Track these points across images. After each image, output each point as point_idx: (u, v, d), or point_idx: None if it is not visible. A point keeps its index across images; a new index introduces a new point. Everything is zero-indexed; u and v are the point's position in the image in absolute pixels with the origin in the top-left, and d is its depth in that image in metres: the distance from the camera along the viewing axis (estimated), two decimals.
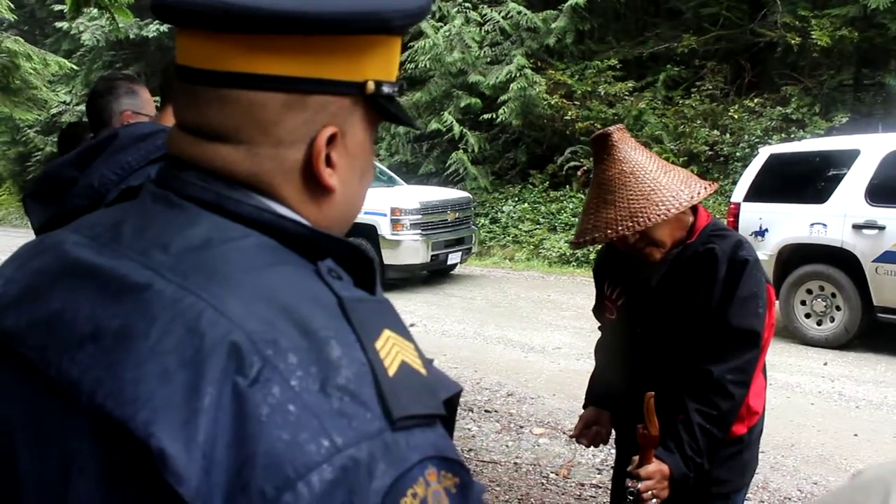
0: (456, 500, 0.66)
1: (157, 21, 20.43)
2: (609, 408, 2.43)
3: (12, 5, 14.08)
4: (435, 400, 0.70)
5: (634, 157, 2.11)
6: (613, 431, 2.48)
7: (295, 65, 0.75)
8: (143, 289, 0.69)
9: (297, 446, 0.61)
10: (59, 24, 22.19)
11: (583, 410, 2.49)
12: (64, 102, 22.91)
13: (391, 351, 0.69)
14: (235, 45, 0.74)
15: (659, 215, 1.99)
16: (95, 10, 6.92)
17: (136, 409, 0.63)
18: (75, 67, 17.32)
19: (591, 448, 2.47)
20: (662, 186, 2.04)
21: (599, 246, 2.49)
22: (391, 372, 0.67)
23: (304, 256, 0.75)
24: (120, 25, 6.86)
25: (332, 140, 0.78)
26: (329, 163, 0.79)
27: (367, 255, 0.79)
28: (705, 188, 2.08)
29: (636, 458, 2.02)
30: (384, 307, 0.74)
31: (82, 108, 22.82)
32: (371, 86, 0.79)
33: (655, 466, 1.99)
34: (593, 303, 2.57)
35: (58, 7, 19.23)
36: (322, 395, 0.63)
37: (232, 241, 0.73)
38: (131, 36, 19.53)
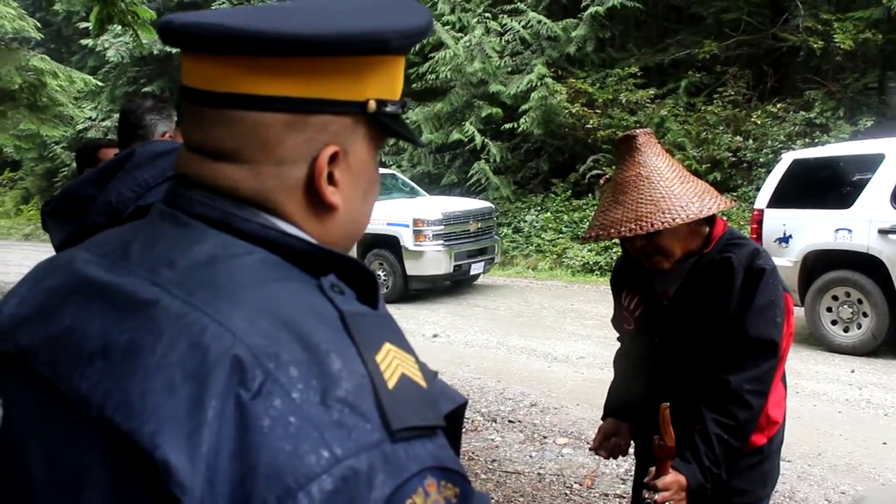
0: None
1: None
2: (628, 419, 2.43)
3: (39, 24, 14.33)
4: (435, 412, 0.71)
5: (655, 162, 2.11)
6: (633, 442, 2.47)
7: (296, 86, 0.77)
8: (150, 305, 0.71)
9: (298, 457, 0.62)
10: (84, 42, 22.50)
11: (601, 422, 2.49)
12: (90, 118, 23.25)
13: (391, 364, 0.70)
14: (238, 68, 0.76)
15: (663, 222, 1.99)
16: (119, 28, 7.01)
17: (142, 421, 0.65)
18: (100, 84, 17.58)
19: (610, 457, 2.47)
20: (674, 195, 2.04)
21: (620, 254, 2.49)
22: (391, 384, 0.68)
23: (308, 272, 0.77)
24: (143, 42, 6.94)
25: (334, 158, 0.80)
26: (332, 181, 0.81)
27: (369, 271, 0.81)
28: (718, 204, 2.07)
29: (653, 469, 2.01)
30: (385, 321, 0.76)
31: (108, 123, 23.21)
32: (373, 105, 0.81)
33: (672, 477, 1.98)
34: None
35: (83, 25, 19.50)
36: (322, 406, 0.65)
37: (237, 257, 0.75)
38: (155, 52, 19.74)
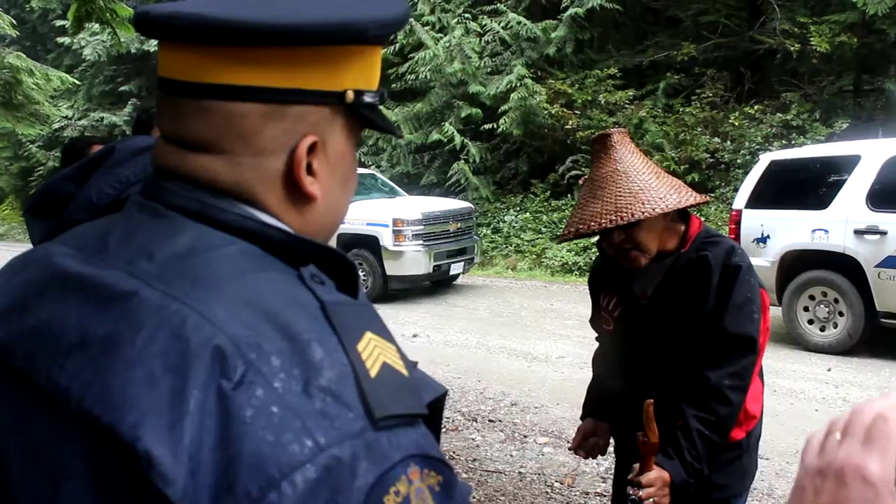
0: (439, 498, 0.68)
1: None
2: (607, 418, 2.44)
3: (14, 21, 14.16)
4: (417, 400, 0.71)
5: (630, 158, 2.13)
6: (613, 440, 2.48)
7: (273, 76, 0.77)
8: (129, 296, 0.70)
9: (281, 446, 0.62)
10: (60, 40, 22.32)
11: (580, 422, 2.50)
12: (66, 117, 23.04)
13: (373, 353, 0.70)
14: (215, 58, 0.76)
15: (643, 212, 2.01)
16: (97, 26, 6.95)
17: (123, 413, 0.64)
18: (77, 82, 17.39)
19: (589, 457, 2.48)
20: (652, 187, 2.06)
21: (597, 255, 2.50)
22: (373, 373, 0.68)
23: (287, 263, 0.76)
24: (121, 40, 6.89)
25: (312, 149, 0.80)
26: (310, 171, 0.81)
27: (349, 261, 0.80)
28: (695, 197, 2.10)
29: (636, 465, 2.02)
30: (366, 310, 0.76)
31: (84, 122, 23.05)
32: (350, 95, 0.80)
33: (656, 473, 1.99)
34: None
35: (59, 23, 19.35)
36: (305, 396, 0.64)
37: (216, 248, 0.74)
38: (133, 50, 19.60)
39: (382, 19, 0.80)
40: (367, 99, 0.82)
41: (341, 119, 0.82)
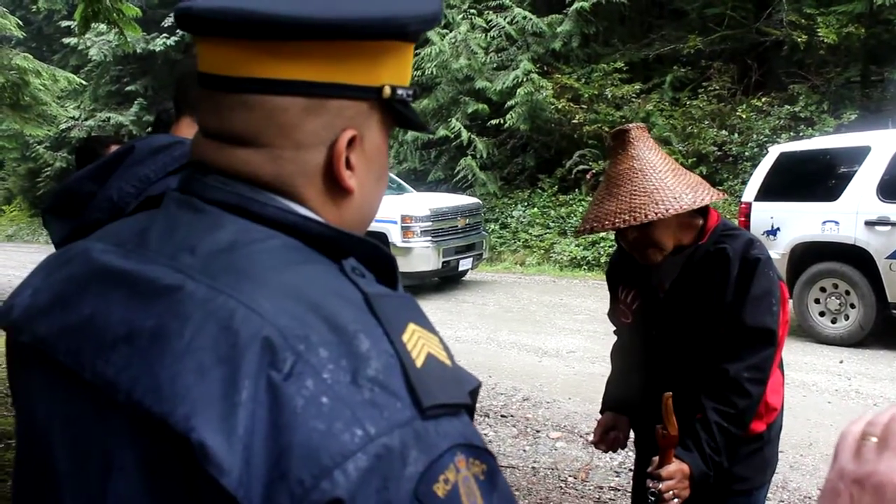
0: (484, 486, 0.68)
1: (163, 35, 20.58)
2: (626, 412, 2.44)
3: (20, 23, 14.19)
4: (461, 390, 0.72)
5: (648, 155, 2.12)
6: (632, 434, 2.48)
7: (315, 70, 0.77)
8: (174, 290, 0.71)
9: (332, 436, 0.63)
10: (66, 41, 22.36)
11: (600, 416, 2.50)
12: (73, 118, 23.08)
13: (417, 343, 0.71)
14: (257, 52, 0.76)
15: (657, 213, 2.00)
16: (103, 26, 6.96)
17: (175, 404, 0.65)
18: (84, 83, 17.41)
19: (609, 451, 2.48)
20: (667, 186, 2.05)
21: (612, 248, 2.49)
22: (419, 363, 0.69)
23: (328, 256, 0.77)
24: (128, 40, 6.89)
25: (351, 143, 0.80)
26: (348, 165, 0.81)
27: (388, 253, 0.81)
28: (710, 195, 2.09)
29: (656, 458, 2.02)
30: (408, 302, 0.76)
31: (91, 122, 23.10)
32: (387, 90, 0.81)
33: (676, 466, 1.99)
34: (607, 306, 2.57)
35: (65, 23, 19.40)
36: (353, 386, 0.65)
37: (257, 242, 0.75)
38: (138, 50, 19.63)
39: (422, 15, 0.81)
40: (403, 94, 0.83)
41: (377, 114, 0.83)
